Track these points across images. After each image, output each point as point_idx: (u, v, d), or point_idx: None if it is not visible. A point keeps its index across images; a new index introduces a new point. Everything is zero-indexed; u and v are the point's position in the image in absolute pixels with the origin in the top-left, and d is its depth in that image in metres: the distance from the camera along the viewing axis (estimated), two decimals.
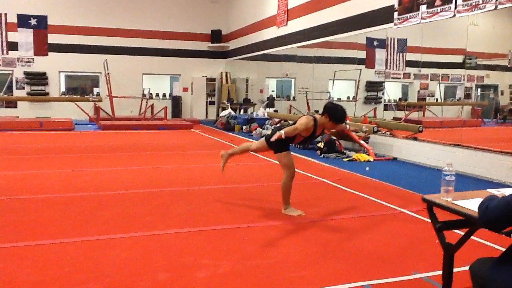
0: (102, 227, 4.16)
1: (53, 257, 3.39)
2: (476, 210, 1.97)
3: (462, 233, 2.28)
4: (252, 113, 15.65)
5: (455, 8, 7.41)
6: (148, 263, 3.30)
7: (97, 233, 3.99)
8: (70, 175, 6.67)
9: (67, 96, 17.17)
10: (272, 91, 18.71)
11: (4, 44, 15.59)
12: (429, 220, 2.32)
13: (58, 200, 5.17)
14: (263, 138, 4.78)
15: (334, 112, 4.40)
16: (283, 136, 4.19)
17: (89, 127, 14.48)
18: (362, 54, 13.15)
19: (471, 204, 2.12)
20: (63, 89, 17.95)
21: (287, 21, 13.53)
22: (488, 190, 2.36)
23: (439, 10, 7.76)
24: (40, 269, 3.15)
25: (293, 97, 18.14)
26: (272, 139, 4.29)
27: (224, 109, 16.33)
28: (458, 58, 13.48)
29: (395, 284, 3.00)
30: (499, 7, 6.64)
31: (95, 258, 3.38)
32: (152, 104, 16.98)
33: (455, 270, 2.51)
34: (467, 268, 2.12)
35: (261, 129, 12.74)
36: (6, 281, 2.95)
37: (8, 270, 3.12)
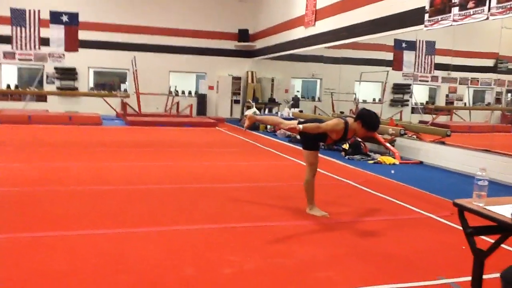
0: (129, 220, 4.24)
1: (82, 248, 3.47)
2: (509, 216, 1.95)
3: (491, 241, 2.25)
4: (277, 112, 15.65)
5: (489, 10, 7.26)
6: (174, 257, 3.36)
7: (125, 225, 4.06)
8: (98, 169, 6.81)
9: (95, 92, 17.50)
10: (297, 91, 18.71)
11: (37, 39, 15.96)
12: (456, 226, 2.30)
13: (87, 192, 5.28)
14: (296, 122, 4.61)
15: (369, 119, 4.27)
16: (300, 128, 4.12)
17: (116, 123, 14.71)
18: (389, 56, 13.04)
19: (504, 210, 2.09)
20: (91, 84, 18.29)
21: (315, 21, 13.48)
22: None
23: (471, 13, 7.62)
24: (70, 259, 3.23)
25: (318, 98, 18.11)
26: (286, 127, 4.29)
27: (249, 108, 16.37)
28: (489, 62, 13.24)
29: None
30: None
31: (123, 250, 3.45)
32: (178, 102, 17.15)
33: (484, 277, 2.48)
34: (495, 275, 2.09)
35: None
36: (38, 270, 3.04)
37: (39, 259, 3.21)
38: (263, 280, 3.03)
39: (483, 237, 2.77)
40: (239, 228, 4.15)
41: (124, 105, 15.55)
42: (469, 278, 2.33)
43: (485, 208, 2.16)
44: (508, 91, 14.98)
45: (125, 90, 17.83)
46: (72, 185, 5.61)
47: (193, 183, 6.09)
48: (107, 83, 19.10)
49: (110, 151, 8.70)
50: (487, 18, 7.32)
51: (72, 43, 16.45)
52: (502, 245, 3.48)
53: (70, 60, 17.08)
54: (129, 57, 16.51)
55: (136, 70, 16.04)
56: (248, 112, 15.61)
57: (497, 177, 6.83)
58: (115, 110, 15.72)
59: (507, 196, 2.47)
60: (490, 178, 6.45)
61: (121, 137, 11.18)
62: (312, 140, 4.51)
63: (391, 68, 14.21)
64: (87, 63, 17.58)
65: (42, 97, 17.07)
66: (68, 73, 17.45)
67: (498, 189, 6.21)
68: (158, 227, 4.06)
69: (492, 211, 2.11)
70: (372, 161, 8.50)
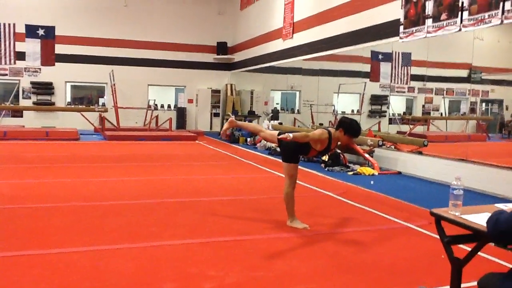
0: (108, 237, 4.17)
1: (60, 266, 3.39)
2: (485, 225, 1.98)
3: (469, 249, 2.28)
4: None
5: (461, 22, 7.45)
6: (154, 273, 3.31)
7: (104, 242, 3.99)
8: (76, 185, 6.69)
9: (72, 106, 17.29)
10: (277, 103, 18.77)
11: (12, 54, 15.76)
12: (435, 235, 2.32)
13: (65, 209, 5.18)
14: (276, 133, 4.69)
15: (350, 126, 4.36)
16: (290, 138, 4.09)
17: (94, 137, 14.54)
18: (367, 68, 13.22)
19: (480, 218, 2.12)
20: (69, 99, 18.07)
21: (292, 33, 13.63)
22: (496, 205, 2.36)
23: (445, 24, 7.81)
24: (47, 278, 3.16)
25: (298, 110, 18.20)
26: (279, 137, 4.27)
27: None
28: (463, 73, 13.52)
29: None
30: (505, 21, 6.67)
31: (101, 267, 3.38)
32: (157, 115, 17.06)
33: (463, 285, 2.50)
34: (474, 283, 2.11)
35: (265, 142, 12.75)
36: None
37: (15, 278, 3.13)
38: None
39: (462, 246, 2.81)
40: (219, 242, 4.12)
41: (102, 119, 15.39)
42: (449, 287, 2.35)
43: (461, 217, 2.19)
44: (482, 101, 15.31)
45: (103, 104, 17.66)
46: (48, 202, 5.50)
47: (172, 197, 6.03)
48: (85, 97, 18.91)
49: (88, 166, 8.58)
50: (460, 30, 7.50)
51: (49, 57, 16.28)
52: (480, 253, 3.54)
53: (47, 74, 16.89)
54: (107, 71, 16.39)
55: (114, 84, 15.93)
56: None
57: (473, 185, 6.94)
58: (93, 124, 15.54)
59: (483, 205, 2.51)
60: (466, 186, 6.56)
61: (99, 152, 11.05)
62: (293, 153, 4.53)
63: (368, 79, 14.40)
64: (64, 77, 17.38)
65: (18, 113, 16.79)
66: (45, 88, 17.24)
67: (474, 197, 6.31)
68: (137, 243, 4.00)
69: (468, 220, 2.14)
70: (351, 172, 8.57)
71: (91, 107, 16.76)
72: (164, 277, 3.24)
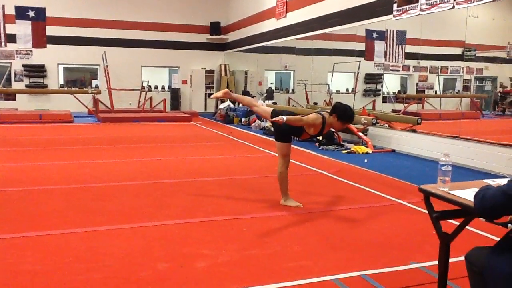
0: (102, 218, 4.19)
1: (54, 248, 3.42)
2: (472, 200, 2.00)
3: (458, 224, 2.31)
4: None
5: None
6: (148, 253, 3.34)
7: (98, 223, 4.02)
8: (70, 167, 6.69)
9: (65, 89, 17.16)
10: (271, 83, 18.70)
11: (2, 36, 15.57)
12: (427, 211, 2.34)
13: (59, 191, 5.19)
14: (270, 110, 4.66)
15: (343, 112, 4.36)
16: (282, 121, 4.05)
17: (88, 120, 14.48)
18: (361, 46, 13.14)
19: (467, 194, 2.14)
20: (61, 81, 17.91)
21: (286, 13, 13.50)
22: (484, 180, 2.38)
23: (438, 2, 7.76)
24: (41, 259, 3.19)
25: (292, 90, 18.14)
26: (272, 119, 4.23)
27: (223, 101, 16.32)
28: (457, 50, 13.47)
29: (392, 274, 3.04)
30: None
31: (95, 248, 3.41)
32: (151, 97, 16.98)
33: (451, 260, 2.54)
34: (463, 258, 2.15)
35: (260, 121, 12.75)
36: (8, 270, 2.98)
37: (9, 260, 3.15)
38: (237, 272, 3.04)
39: (451, 221, 2.85)
40: (213, 221, 4.15)
41: (96, 101, 15.29)
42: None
43: (449, 193, 2.21)
44: (476, 79, 15.30)
45: (97, 86, 17.54)
46: (42, 185, 5.51)
47: (167, 178, 6.05)
48: (78, 80, 18.75)
49: (82, 149, 8.57)
50: (453, 7, 7.47)
51: (40, 39, 16.09)
52: (469, 228, 3.59)
53: (39, 56, 16.70)
54: (99, 53, 16.22)
55: (107, 66, 15.79)
56: (222, 106, 15.58)
57: (466, 162, 7.00)
58: (86, 107, 15.46)
59: (474, 181, 2.53)
60: (459, 163, 6.55)
61: (93, 134, 11.01)
62: (285, 133, 4.54)
63: (363, 58, 14.33)
64: (56, 60, 17.20)
65: (10, 96, 16.65)
66: (37, 70, 17.07)
67: (467, 174, 6.37)
68: (131, 224, 4.03)
69: (456, 195, 2.17)
70: (345, 151, 8.60)
71: (84, 89, 16.64)
72: (158, 257, 3.27)
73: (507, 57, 11.77)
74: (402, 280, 2.95)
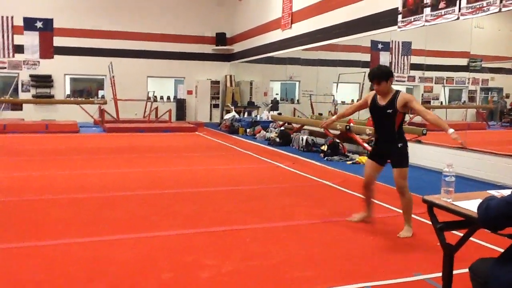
0: (107, 228, 4.20)
1: (58, 257, 3.43)
2: (476, 211, 1.99)
3: (462, 235, 2.30)
4: (256, 116, 15.67)
5: (459, 10, 7.42)
6: (151, 263, 3.34)
7: (102, 233, 4.02)
8: (75, 177, 6.72)
9: (72, 99, 17.28)
10: (276, 94, 18.74)
11: (10, 47, 15.72)
12: (430, 223, 2.33)
13: (64, 201, 5.21)
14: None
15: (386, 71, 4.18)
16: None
17: (93, 130, 14.54)
18: (366, 57, 13.18)
19: (471, 205, 2.14)
20: (68, 91, 18.05)
21: (291, 23, 13.57)
22: (488, 191, 2.38)
23: (443, 13, 7.77)
24: (45, 268, 3.19)
25: (297, 100, 18.17)
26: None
27: (228, 112, 16.38)
28: (463, 61, 13.46)
29: (397, 285, 3.02)
30: (503, 9, 6.64)
31: (99, 258, 3.41)
32: (157, 107, 17.05)
33: (456, 271, 2.52)
34: (467, 269, 2.13)
35: (264, 132, 12.76)
36: (13, 280, 2.99)
37: (14, 269, 3.16)
38: (240, 282, 3.03)
39: (456, 232, 2.83)
40: (217, 231, 4.15)
41: (102, 112, 15.37)
42: None
43: (452, 204, 2.20)
44: (482, 89, 15.27)
45: (103, 97, 17.64)
46: (48, 194, 5.53)
47: (172, 188, 6.05)
48: (85, 90, 18.87)
49: (87, 158, 8.60)
50: (458, 18, 7.48)
51: (47, 50, 16.24)
52: (473, 239, 3.56)
53: (46, 67, 16.85)
54: (106, 63, 16.34)
55: (113, 76, 15.90)
56: (228, 116, 15.60)
57: (471, 173, 6.97)
58: (92, 117, 15.54)
59: (478, 191, 2.53)
60: (465, 175, 6.51)
61: (99, 144, 11.06)
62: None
63: (368, 69, 14.35)
64: (63, 70, 17.35)
65: (17, 106, 16.78)
66: (44, 81, 17.21)
67: (472, 185, 6.33)
68: (136, 234, 4.03)
69: (460, 206, 2.16)
70: (350, 162, 8.58)
71: (90, 99, 16.74)
72: (162, 266, 3.27)
73: None
74: None
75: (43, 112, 16.70)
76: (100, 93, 18.43)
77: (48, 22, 16.08)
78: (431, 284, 2.98)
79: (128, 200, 5.30)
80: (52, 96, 17.27)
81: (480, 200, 2.02)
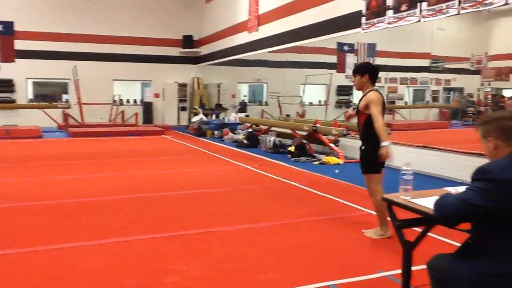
0: (72, 235, 4.10)
1: (21, 267, 3.33)
2: (432, 208, 2.04)
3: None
4: (224, 118, 15.65)
5: (420, 13, 7.59)
6: (116, 269, 3.28)
7: (67, 241, 3.93)
8: (38, 184, 6.54)
9: (34, 103, 16.82)
10: (244, 96, 18.78)
11: None
12: (391, 220, 2.37)
13: (27, 208, 5.07)
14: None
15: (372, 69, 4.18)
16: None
17: (57, 135, 14.20)
18: (333, 59, 13.36)
19: (428, 202, 2.18)
20: (30, 96, 17.57)
21: (258, 26, 13.61)
22: (445, 188, 2.43)
23: (405, 15, 7.94)
24: (7, 279, 3.09)
25: (265, 102, 18.26)
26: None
27: (196, 114, 16.28)
28: (426, 62, 13.83)
29: (360, 283, 3.06)
30: (462, 12, 6.83)
31: (64, 266, 3.33)
32: (123, 111, 16.81)
33: (418, 267, 2.58)
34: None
35: (232, 134, 12.75)
36: None
37: None
38: (206, 287, 3.01)
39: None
40: (185, 235, 4.11)
41: (65, 116, 15.02)
42: None
43: (410, 201, 2.25)
44: (444, 90, 15.71)
45: (67, 101, 17.26)
46: (10, 202, 5.36)
47: (139, 193, 5.96)
48: (48, 94, 18.40)
49: (51, 164, 8.39)
50: (419, 21, 7.65)
51: (8, 53, 15.81)
52: (433, 235, 3.65)
53: (7, 71, 16.36)
54: (70, 67, 16.00)
55: (77, 80, 15.57)
56: (195, 119, 15.52)
57: (434, 171, 7.14)
58: (56, 121, 15.18)
59: (435, 189, 2.58)
60: (427, 172, 6.65)
61: (63, 149, 10.81)
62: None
63: (335, 70, 14.55)
64: (25, 74, 16.88)
65: None
66: (5, 85, 16.69)
67: (434, 182, 6.48)
68: (101, 240, 3.95)
69: (417, 204, 2.21)
70: (317, 162, 8.66)
71: (53, 103, 16.33)
72: (126, 273, 3.22)
73: (471, 68, 12.13)
74: None
75: (4, 117, 16.18)
76: (65, 97, 18.01)
77: (8, 25, 15.66)
78: (393, 281, 3.04)
79: (94, 207, 5.19)
80: (14, 101, 16.78)
81: (437, 197, 2.06)
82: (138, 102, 18.83)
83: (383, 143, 3.91)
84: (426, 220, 2.20)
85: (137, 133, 14.31)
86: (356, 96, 15.18)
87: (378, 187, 4.14)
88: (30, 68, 16.67)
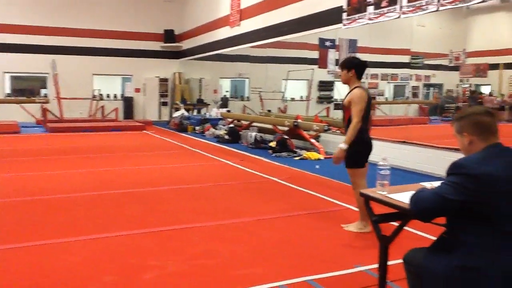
0: (50, 232, 4.04)
1: None
2: (408, 202, 2.06)
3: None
4: (205, 113, 15.58)
5: (401, 9, 7.65)
6: (94, 266, 3.25)
7: (45, 237, 3.86)
8: (16, 179, 6.42)
9: (12, 98, 16.50)
10: (226, 91, 18.71)
11: None
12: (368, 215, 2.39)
13: (4, 205, 4.97)
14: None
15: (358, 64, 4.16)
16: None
17: (35, 130, 13.96)
18: (314, 54, 13.39)
19: (404, 197, 2.21)
20: (8, 90, 17.22)
21: (240, 21, 13.56)
22: (421, 183, 2.46)
23: (385, 11, 7.99)
24: None
25: (247, 97, 18.23)
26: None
27: (177, 110, 16.18)
28: (406, 58, 13.97)
29: (338, 278, 3.08)
30: (441, 8, 6.90)
31: (41, 263, 3.29)
32: (103, 106, 16.60)
33: (395, 261, 2.61)
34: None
35: (214, 129, 12.71)
36: None
37: None
38: (183, 282, 3.00)
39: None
40: (164, 231, 4.09)
41: (44, 111, 14.77)
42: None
43: (387, 196, 2.27)
44: (424, 85, 15.89)
45: (45, 96, 16.97)
46: None
47: (119, 188, 5.90)
48: (27, 89, 18.06)
49: (29, 160, 8.25)
50: (399, 17, 7.71)
51: None
52: (410, 229, 3.70)
53: None
54: (48, 61, 15.74)
55: (56, 74, 15.33)
56: (177, 114, 15.42)
57: (413, 166, 7.23)
58: (34, 116, 14.92)
59: (411, 184, 2.61)
60: (406, 167, 6.72)
61: (41, 145, 10.63)
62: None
63: (316, 66, 14.59)
64: (2, 68, 16.52)
65: None
66: None
67: (413, 177, 6.56)
68: (79, 236, 3.90)
69: (393, 199, 2.23)
70: (298, 157, 8.69)
71: (31, 98, 16.03)
72: (104, 269, 3.18)
73: (450, 65, 12.28)
74: (347, 283, 3.00)
75: None
76: (43, 91, 17.70)
77: None
78: (370, 275, 3.07)
79: (73, 202, 5.12)
80: None
81: (413, 192, 2.09)
82: (119, 97, 18.60)
83: (341, 145, 4.03)
84: (402, 215, 2.22)
85: (117, 128, 14.16)
86: (338, 92, 15.31)
87: (361, 182, 4.20)
88: (8, 62, 16.32)
